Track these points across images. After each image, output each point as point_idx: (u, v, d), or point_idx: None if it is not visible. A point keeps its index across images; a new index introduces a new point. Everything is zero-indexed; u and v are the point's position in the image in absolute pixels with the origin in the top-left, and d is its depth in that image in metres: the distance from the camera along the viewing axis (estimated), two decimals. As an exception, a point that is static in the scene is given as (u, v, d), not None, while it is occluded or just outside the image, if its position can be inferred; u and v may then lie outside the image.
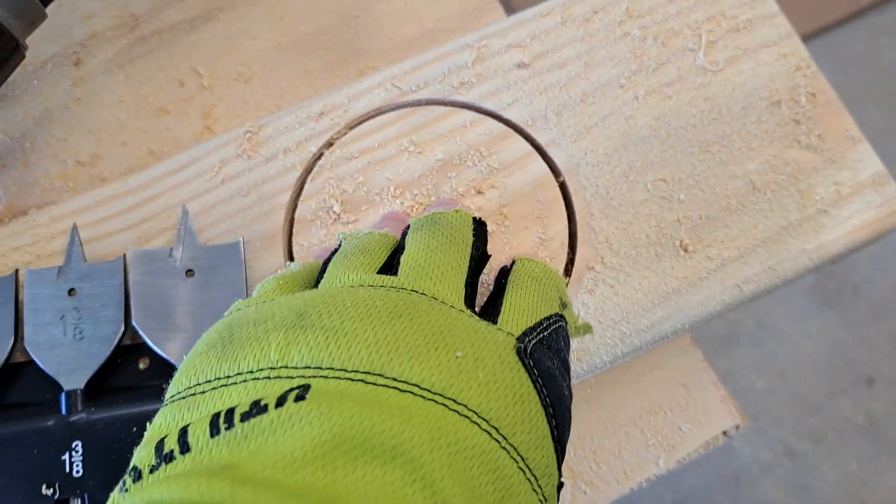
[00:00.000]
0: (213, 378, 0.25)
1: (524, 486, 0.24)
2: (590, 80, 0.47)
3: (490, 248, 0.44)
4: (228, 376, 0.25)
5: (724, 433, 0.48)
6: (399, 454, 0.21)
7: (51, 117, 0.54)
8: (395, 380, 0.24)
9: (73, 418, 0.39)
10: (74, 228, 0.43)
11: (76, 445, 0.39)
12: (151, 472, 0.22)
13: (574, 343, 0.42)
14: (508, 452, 0.24)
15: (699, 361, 0.49)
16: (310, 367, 0.24)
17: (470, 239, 0.35)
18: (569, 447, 0.47)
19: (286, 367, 0.24)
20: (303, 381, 0.23)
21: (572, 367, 0.42)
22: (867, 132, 0.47)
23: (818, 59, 0.47)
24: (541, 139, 0.46)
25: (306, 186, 0.46)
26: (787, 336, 1.65)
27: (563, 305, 0.34)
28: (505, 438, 0.24)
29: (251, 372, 0.25)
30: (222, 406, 0.24)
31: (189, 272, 0.42)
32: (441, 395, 0.24)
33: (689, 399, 0.48)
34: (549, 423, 0.26)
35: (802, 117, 0.46)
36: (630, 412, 0.48)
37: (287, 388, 0.23)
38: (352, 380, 0.24)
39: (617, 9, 0.48)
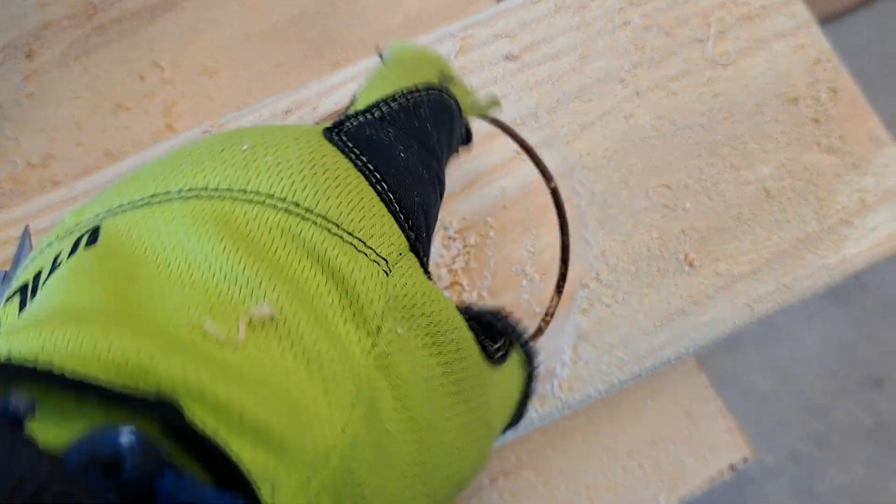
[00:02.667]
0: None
1: (344, 248, 0.22)
2: (586, 73, 0.42)
3: (474, 262, 0.40)
4: None
5: (732, 467, 0.43)
6: None
7: (0, 114, 0.49)
8: (180, 192, 0.23)
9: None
10: (26, 230, 0.39)
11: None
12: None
13: (565, 371, 0.38)
14: (315, 222, 0.22)
15: (705, 388, 0.44)
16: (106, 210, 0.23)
17: None
18: (559, 481, 0.43)
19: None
20: (95, 224, 0.22)
21: (562, 398, 0.37)
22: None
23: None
24: (531, 140, 0.42)
25: (271, 192, 0.41)
26: (792, 336, 1.61)
27: (446, 79, 0.31)
28: (309, 210, 0.22)
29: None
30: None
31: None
32: (228, 189, 0.23)
33: (694, 430, 0.44)
34: (373, 185, 0.24)
35: (822, 116, 0.41)
36: (628, 444, 0.43)
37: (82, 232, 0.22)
38: (137, 206, 0.23)
39: (616, -5, 0.43)
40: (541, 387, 0.38)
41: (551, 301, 0.39)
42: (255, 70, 0.50)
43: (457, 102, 0.31)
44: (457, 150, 0.33)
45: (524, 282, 0.39)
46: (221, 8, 0.51)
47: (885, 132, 0.41)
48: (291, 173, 0.23)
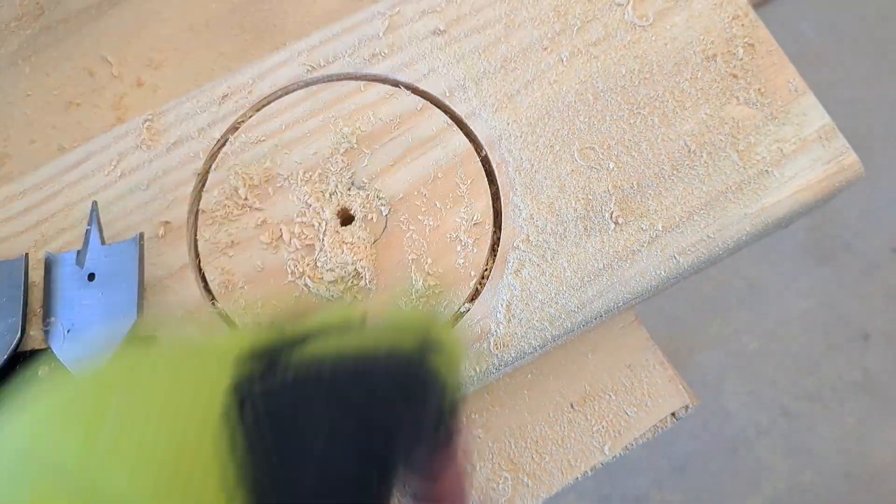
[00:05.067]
0: None
1: None
2: (511, 44, 0.44)
3: (412, 232, 0.41)
4: None
5: (673, 415, 0.45)
6: None
7: (-46, 116, 0.51)
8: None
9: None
10: (94, 206, 0.40)
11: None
12: None
13: (500, 329, 0.39)
14: None
15: (644, 340, 0.46)
16: None
17: None
18: (509, 437, 0.45)
19: None
20: None
21: (499, 356, 0.39)
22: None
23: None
24: (460, 111, 0.43)
25: (210, 175, 0.43)
26: (779, 295, 1.62)
27: (429, 344, 0.25)
28: None
29: None
30: None
31: (91, 276, 0.40)
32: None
33: (635, 381, 0.45)
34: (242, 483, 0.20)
35: (740, 71, 0.42)
36: (573, 397, 0.45)
37: None
38: None
39: (537, -35, 0.45)
40: (478, 346, 0.39)
41: (486, 264, 0.41)
42: (198, 60, 0.51)
43: (438, 376, 0.24)
44: (428, 446, 0.24)
45: (459, 248, 0.41)
46: (162, 1, 0.52)
47: (802, 81, 0.42)
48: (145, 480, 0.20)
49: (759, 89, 0.42)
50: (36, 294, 0.41)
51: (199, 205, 0.42)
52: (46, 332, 0.39)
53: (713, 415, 1.56)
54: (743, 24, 0.43)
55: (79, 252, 0.40)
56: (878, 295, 1.62)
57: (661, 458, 1.53)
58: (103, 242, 0.40)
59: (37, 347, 0.40)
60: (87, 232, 0.41)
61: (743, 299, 1.62)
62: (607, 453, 0.44)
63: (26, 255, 0.41)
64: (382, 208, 0.42)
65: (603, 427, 0.45)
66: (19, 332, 0.39)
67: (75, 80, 0.51)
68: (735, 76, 0.42)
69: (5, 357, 0.39)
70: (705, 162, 0.41)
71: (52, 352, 0.39)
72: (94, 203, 0.41)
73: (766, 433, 1.55)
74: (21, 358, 0.40)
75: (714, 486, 1.53)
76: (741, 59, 0.43)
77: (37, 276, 0.41)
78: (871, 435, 1.54)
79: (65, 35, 0.52)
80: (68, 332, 0.39)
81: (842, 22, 1.70)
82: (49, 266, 0.41)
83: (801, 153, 0.41)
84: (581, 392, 0.45)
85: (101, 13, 0.52)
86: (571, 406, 0.45)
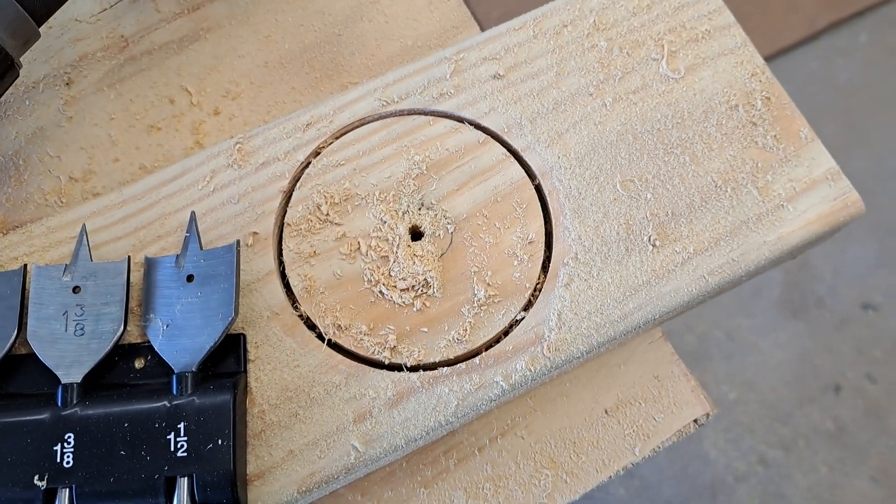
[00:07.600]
0: None
1: None
2: (561, 89, 0.50)
3: (474, 248, 0.47)
4: None
5: (696, 421, 0.50)
6: None
7: (43, 135, 0.56)
8: None
9: (68, 411, 0.40)
10: (83, 229, 0.45)
11: (68, 437, 0.40)
12: None
13: (552, 335, 0.45)
14: None
15: (670, 354, 0.51)
16: None
17: None
18: (549, 439, 0.50)
19: None
20: None
21: (551, 358, 0.44)
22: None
23: (777, 79, 0.51)
24: (516, 145, 0.49)
25: (294, 193, 0.48)
26: (757, 347, 1.69)
27: None
28: None
29: None
30: None
31: (190, 277, 0.44)
32: None
33: (662, 390, 0.51)
34: None
35: (759, 119, 0.49)
36: (606, 404, 0.50)
37: None
38: None
39: (585, 22, 0.51)
40: (532, 349, 0.44)
41: (539, 278, 0.46)
42: (272, 93, 0.57)
43: None
44: None
45: (515, 262, 0.46)
46: (241, 39, 0.58)
47: (811, 131, 0.49)
48: None
49: (775, 136, 0.49)
50: (134, 294, 0.45)
51: (284, 219, 0.47)
52: (145, 328, 0.44)
53: (694, 460, 1.61)
54: (760, 81, 0.50)
55: (178, 256, 0.45)
56: (848, 348, 1.70)
57: (643, 501, 1.57)
58: (202, 248, 0.45)
59: (135, 342, 0.45)
60: (186, 238, 0.45)
61: (723, 350, 1.69)
62: (637, 454, 0.49)
63: (129, 257, 0.45)
64: (448, 226, 0.47)
65: (633, 431, 0.50)
66: (122, 326, 0.43)
67: (157, 107, 0.57)
68: (754, 124, 0.49)
69: (108, 348, 0.43)
70: (730, 196, 0.47)
71: (151, 345, 0.44)
72: (193, 213, 0.46)
73: (744, 480, 1.60)
74: (121, 351, 0.44)
75: (694, 530, 1.57)
76: (759, 110, 0.49)
77: (134, 278, 0.46)
78: (842, 483, 1.60)
79: (148, 66, 0.58)
80: (167, 327, 0.44)
81: (815, 90, 1.82)
82: (149, 267, 0.45)
83: (812, 191, 0.48)
84: (614, 399, 0.51)
85: (182, 48, 0.58)
86: (605, 412, 0.50)
